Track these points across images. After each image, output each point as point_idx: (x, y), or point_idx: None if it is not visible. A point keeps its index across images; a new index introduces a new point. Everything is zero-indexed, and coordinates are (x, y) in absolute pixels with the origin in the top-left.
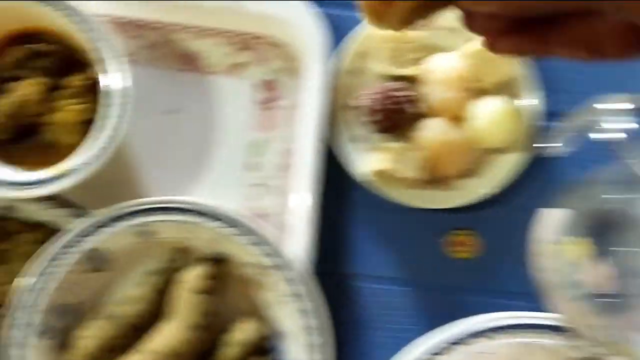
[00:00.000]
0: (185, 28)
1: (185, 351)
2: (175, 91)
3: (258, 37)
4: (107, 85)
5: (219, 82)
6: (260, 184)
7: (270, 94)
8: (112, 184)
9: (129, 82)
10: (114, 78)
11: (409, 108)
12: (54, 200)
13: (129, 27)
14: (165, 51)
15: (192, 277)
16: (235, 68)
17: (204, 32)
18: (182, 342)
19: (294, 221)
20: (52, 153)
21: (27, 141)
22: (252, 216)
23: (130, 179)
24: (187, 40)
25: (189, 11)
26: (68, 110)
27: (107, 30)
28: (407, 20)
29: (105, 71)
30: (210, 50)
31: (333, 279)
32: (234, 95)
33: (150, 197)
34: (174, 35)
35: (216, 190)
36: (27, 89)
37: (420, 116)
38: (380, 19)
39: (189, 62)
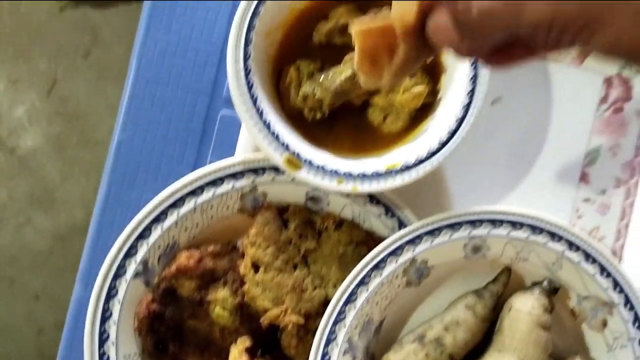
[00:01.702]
0: None
1: None
2: (502, 78)
3: None
4: (453, 66)
5: (558, 72)
6: (593, 201)
7: (621, 92)
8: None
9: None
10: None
11: None
12: (365, 195)
13: None
14: None
15: (533, 307)
16: (581, 56)
17: None
18: None
19: (633, 250)
20: (369, 139)
21: (340, 122)
22: (598, 241)
23: (438, 181)
24: None
25: None
26: (405, 91)
27: None
28: (399, 75)
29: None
30: None
31: None
32: (575, 90)
33: (458, 205)
34: None
35: (540, 202)
36: None
37: None
38: (374, 78)
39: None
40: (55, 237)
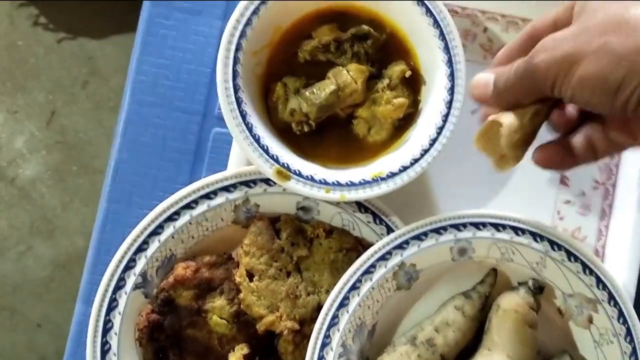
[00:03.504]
0: (501, 17)
1: None
2: None
3: None
4: (432, 79)
5: None
6: (573, 202)
7: None
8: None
9: (461, 77)
10: (442, 70)
11: None
12: (354, 204)
13: None
14: (473, 41)
15: (520, 305)
16: None
17: (516, 23)
18: None
19: (614, 248)
20: (356, 149)
21: (327, 134)
22: (581, 241)
23: (424, 187)
24: (498, 30)
25: None
26: (387, 103)
27: (448, 15)
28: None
29: (433, 62)
30: None
31: None
32: None
33: (443, 210)
34: (486, 24)
35: (523, 205)
36: (348, 77)
37: None
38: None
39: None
40: (56, 265)
